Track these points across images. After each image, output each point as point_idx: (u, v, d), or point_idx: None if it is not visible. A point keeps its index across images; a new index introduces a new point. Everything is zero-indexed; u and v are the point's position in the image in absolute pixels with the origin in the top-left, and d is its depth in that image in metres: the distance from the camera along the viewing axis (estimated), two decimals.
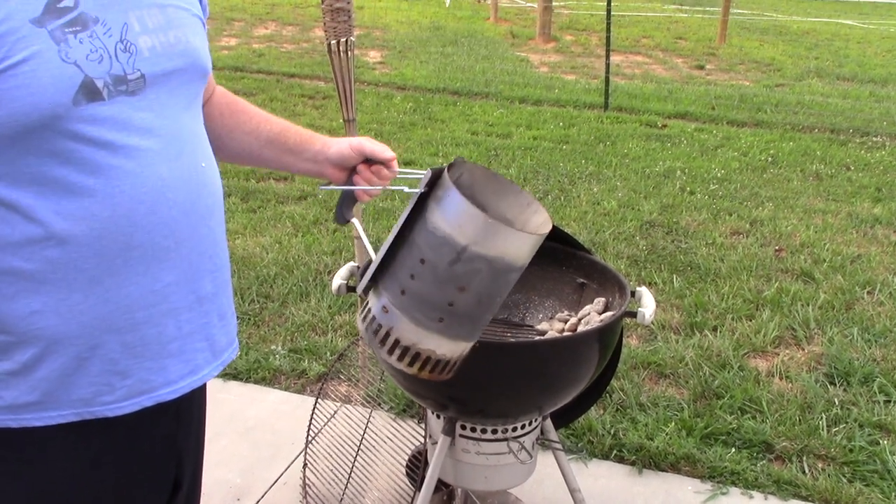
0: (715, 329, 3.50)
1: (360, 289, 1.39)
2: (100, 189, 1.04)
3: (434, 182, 1.29)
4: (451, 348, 1.34)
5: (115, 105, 1.04)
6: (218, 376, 3.11)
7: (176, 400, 1.20)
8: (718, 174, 5.86)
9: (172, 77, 1.13)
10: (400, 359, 1.33)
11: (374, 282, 1.35)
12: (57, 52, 0.99)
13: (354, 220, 1.57)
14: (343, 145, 1.48)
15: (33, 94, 0.97)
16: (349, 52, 2.50)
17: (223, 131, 1.45)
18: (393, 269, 1.32)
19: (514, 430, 1.80)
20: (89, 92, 1.02)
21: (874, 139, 7.07)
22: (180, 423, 1.28)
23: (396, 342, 1.32)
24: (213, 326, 1.23)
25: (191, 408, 1.31)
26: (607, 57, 8.35)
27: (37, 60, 0.97)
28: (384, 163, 1.49)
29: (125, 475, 1.20)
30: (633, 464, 2.64)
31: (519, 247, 1.28)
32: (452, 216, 1.25)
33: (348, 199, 1.53)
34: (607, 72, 8.25)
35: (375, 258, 1.34)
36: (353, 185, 1.50)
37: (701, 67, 10.78)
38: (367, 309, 1.37)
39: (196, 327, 1.19)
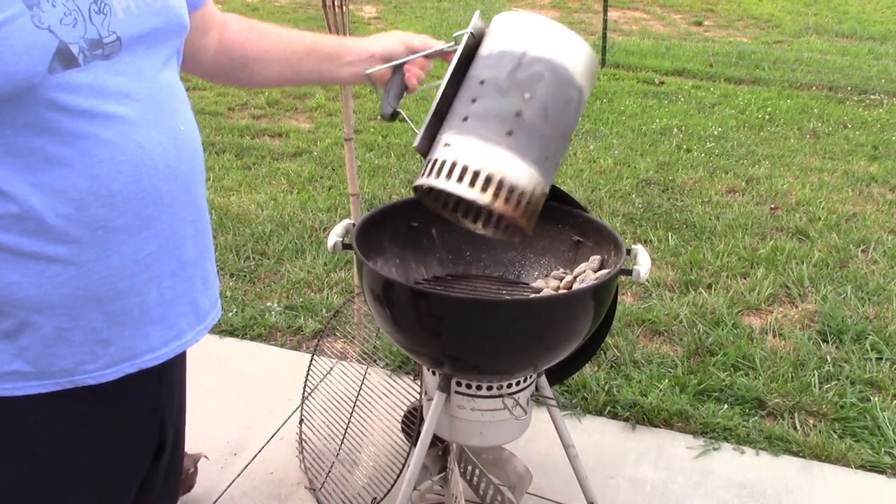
0: (709, 287, 3.51)
1: (417, 142, 1.40)
2: (77, 159, 1.01)
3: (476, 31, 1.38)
4: (521, 172, 1.29)
5: (90, 71, 1.00)
6: (213, 332, 3.12)
7: (159, 364, 1.19)
8: (715, 132, 5.83)
9: (148, 38, 1.09)
10: (472, 184, 1.28)
11: (431, 133, 1.37)
12: (30, 18, 0.94)
13: (402, 112, 1.51)
14: (391, 42, 1.47)
15: (6, 63, 0.93)
16: (344, 7, 2.46)
17: (258, 53, 1.43)
18: (451, 110, 1.35)
19: (510, 386, 1.81)
20: (64, 59, 0.97)
21: (872, 97, 7.03)
22: (163, 386, 1.27)
23: (465, 168, 1.29)
24: (196, 290, 1.21)
25: (172, 371, 1.30)
26: (605, 12, 8.24)
27: (9, 28, 0.92)
28: (440, 55, 1.48)
29: (109, 439, 1.20)
30: (626, 420, 2.66)
31: (575, 53, 1.32)
32: (507, 32, 1.33)
33: (396, 90, 1.49)
34: (605, 28, 8.15)
35: (431, 108, 1.37)
36: (398, 81, 1.48)
37: (699, 23, 10.66)
38: (429, 161, 1.34)
39: (179, 293, 1.17)
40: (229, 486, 2.36)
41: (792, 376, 2.86)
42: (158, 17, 1.11)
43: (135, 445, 1.25)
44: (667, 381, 2.82)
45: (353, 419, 2.46)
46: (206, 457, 2.34)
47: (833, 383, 2.83)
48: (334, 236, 1.86)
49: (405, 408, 2.44)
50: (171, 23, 1.13)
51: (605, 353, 2.98)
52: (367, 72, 1.48)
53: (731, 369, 2.91)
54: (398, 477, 2.24)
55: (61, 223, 1.02)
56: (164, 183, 1.10)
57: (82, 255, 1.05)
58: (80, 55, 0.99)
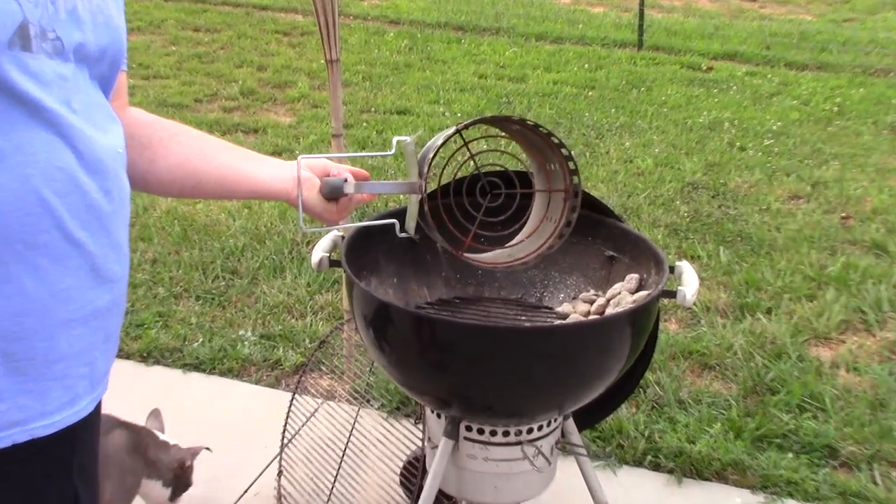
0: (769, 311, 3.50)
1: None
2: (10, 155, 1.00)
3: None
4: None
5: (38, 60, 1.01)
6: (177, 367, 3.12)
7: (74, 424, 1.14)
8: (774, 127, 5.85)
9: (85, 51, 1.10)
10: None
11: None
12: None
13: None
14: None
15: None
16: None
17: (165, 134, 1.43)
18: None
19: (530, 431, 1.81)
20: (22, 37, 0.99)
21: None
22: (75, 450, 1.19)
23: None
24: (97, 349, 1.16)
25: (86, 431, 1.23)
26: None
27: None
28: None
29: None
30: (670, 472, 2.65)
31: None
32: None
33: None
34: (641, 4, 8.20)
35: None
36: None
37: None
38: None
39: (84, 347, 1.13)
40: None
41: (870, 419, 2.85)
42: (102, 31, 1.13)
43: None
44: (719, 424, 2.81)
45: (341, 471, 2.46)
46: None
47: None
48: (319, 251, 1.86)
49: (404, 457, 2.44)
50: (112, 44, 1.16)
51: (644, 392, 2.97)
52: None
53: (796, 410, 2.89)
54: None
55: None
56: (96, 206, 1.09)
57: None
58: (34, 40, 1.01)
